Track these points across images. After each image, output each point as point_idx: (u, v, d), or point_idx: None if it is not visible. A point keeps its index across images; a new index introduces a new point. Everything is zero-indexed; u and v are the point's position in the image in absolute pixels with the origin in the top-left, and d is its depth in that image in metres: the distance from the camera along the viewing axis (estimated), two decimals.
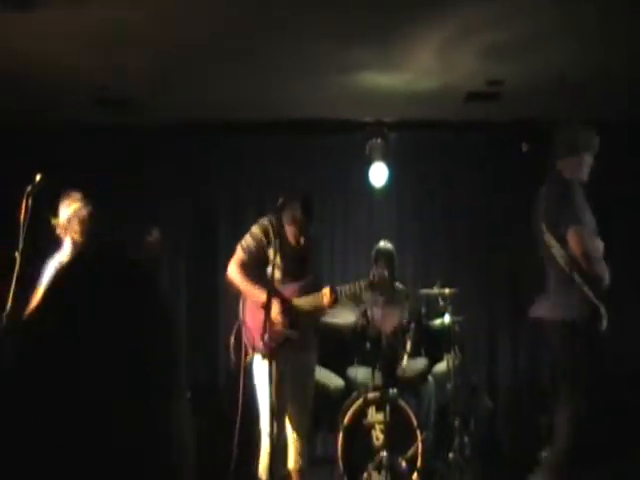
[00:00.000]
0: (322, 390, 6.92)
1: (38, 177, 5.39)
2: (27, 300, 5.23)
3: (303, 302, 5.91)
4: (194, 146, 8.60)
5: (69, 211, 5.89)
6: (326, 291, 5.85)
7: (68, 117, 7.99)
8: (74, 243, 5.90)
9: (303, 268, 6.03)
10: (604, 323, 5.56)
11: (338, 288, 5.90)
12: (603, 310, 5.55)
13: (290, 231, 5.98)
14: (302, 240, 6.00)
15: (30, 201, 5.33)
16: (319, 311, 6.00)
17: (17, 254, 5.23)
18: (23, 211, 5.31)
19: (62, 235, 5.92)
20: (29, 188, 5.38)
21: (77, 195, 5.96)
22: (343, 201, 8.75)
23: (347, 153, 8.62)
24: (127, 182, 8.40)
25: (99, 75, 6.96)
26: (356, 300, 6.83)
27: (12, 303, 5.21)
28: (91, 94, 7.34)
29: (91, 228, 5.94)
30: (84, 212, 5.91)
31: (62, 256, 5.87)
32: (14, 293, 5.19)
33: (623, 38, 6.40)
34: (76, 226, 5.87)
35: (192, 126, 8.46)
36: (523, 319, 8.55)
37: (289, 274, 5.96)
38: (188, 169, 8.62)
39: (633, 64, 6.90)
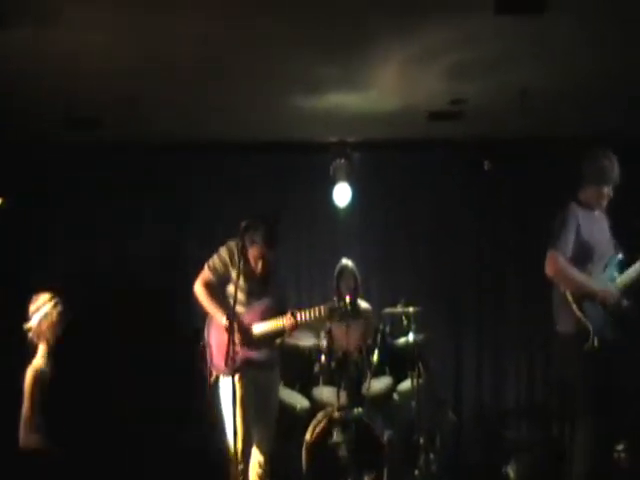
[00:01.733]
0: (288, 411, 6.93)
1: (0, 200, 5.35)
2: None
3: (264, 326, 5.99)
4: (160, 166, 8.57)
5: (39, 315, 5.85)
6: (287, 316, 5.93)
7: (36, 137, 7.95)
8: (48, 346, 5.86)
9: (265, 290, 6.12)
10: (591, 341, 5.65)
11: (298, 313, 5.96)
12: (591, 328, 5.65)
13: (252, 254, 6.07)
14: (263, 264, 6.09)
15: None
16: (280, 334, 6.07)
17: None
18: None
19: (35, 340, 5.87)
20: None
21: (46, 296, 5.92)
22: (308, 221, 8.75)
23: (311, 173, 8.65)
24: (96, 201, 8.42)
25: (67, 95, 6.93)
26: (317, 324, 6.84)
27: None
28: (59, 114, 7.30)
29: (63, 327, 5.93)
30: (55, 315, 5.88)
31: (37, 361, 5.82)
32: None
33: (585, 58, 6.48)
34: (47, 330, 5.84)
35: (158, 147, 8.44)
36: (487, 335, 8.69)
37: (251, 296, 6.05)
38: (155, 188, 8.60)
39: (596, 83, 6.98)
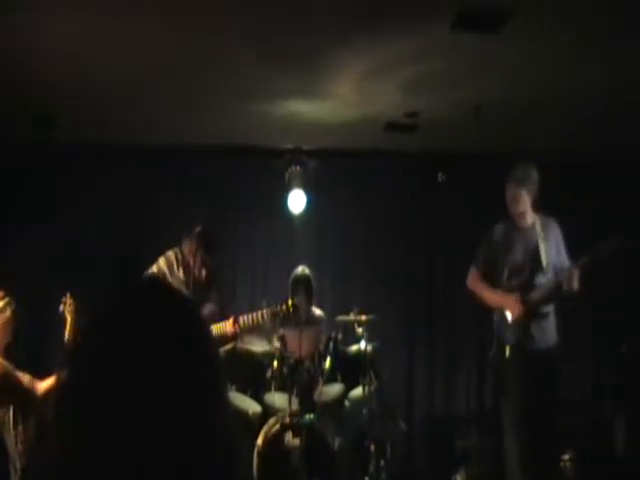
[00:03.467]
0: (240, 416, 6.96)
1: None
2: None
3: None
4: (114, 169, 8.55)
5: None
6: (229, 321, 6.00)
7: None
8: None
9: (208, 297, 6.19)
10: (495, 349, 6.29)
11: (240, 318, 6.04)
12: (496, 336, 6.26)
13: (192, 262, 6.13)
14: (206, 271, 6.16)
15: None
16: (225, 340, 6.13)
17: None
18: None
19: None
20: None
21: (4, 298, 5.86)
22: (263, 227, 8.78)
23: (267, 180, 8.69)
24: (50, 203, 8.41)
25: (25, 94, 6.94)
26: (260, 329, 6.89)
27: None
28: (18, 113, 7.30)
29: (15, 326, 5.88)
30: (8, 313, 5.82)
31: None
32: None
33: (539, 74, 6.61)
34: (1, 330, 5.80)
35: (114, 149, 8.43)
36: (438, 344, 8.78)
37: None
38: (108, 192, 8.58)
39: (551, 99, 7.11)
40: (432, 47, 6.03)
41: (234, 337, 6.20)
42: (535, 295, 6.14)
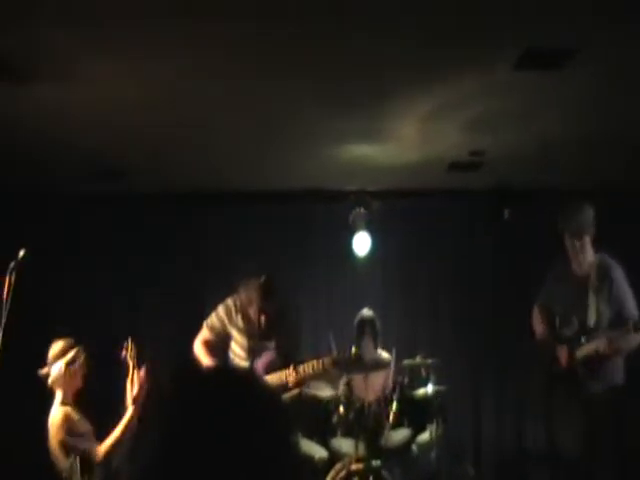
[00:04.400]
0: (306, 461, 6.89)
1: (21, 252, 5.33)
2: None
3: (268, 381, 6.02)
4: (179, 217, 8.63)
5: (59, 365, 5.77)
6: (290, 370, 5.96)
7: (60, 189, 8.04)
8: (65, 393, 5.76)
9: (267, 344, 6.16)
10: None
11: (301, 366, 5.99)
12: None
13: (251, 310, 6.12)
14: (265, 317, 6.13)
15: (13, 277, 5.24)
16: (285, 388, 6.10)
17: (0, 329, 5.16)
18: (6, 288, 5.22)
19: (53, 386, 5.79)
20: (12, 264, 5.29)
21: (66, 343, 5.85)
22: (328, 270, 8.76)
23: (331, 222, 8.67)
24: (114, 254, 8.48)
25: (93, 148, 7.02)
26: (324, 376, 6.84)
27: None
28: (84, 167, 7.39)
29: (84, 376, 5.87)
30: (78, 363, 5.80)
31: (57, 405, 5.75)
32: None
33: (603, 109, 6.53)
34: (67, 379, 5.72)
35: (178, 197, 8.51)
36: (507, 387, 8.63)
37: (253, 351, 6.08)
38: (175, 240, 8.65)
39: (615, 134, 7.02)
40: (495, 86, 5.97)
41: (296, 385, 6.16)
42: (580, 353, 6.00)
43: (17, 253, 5.35)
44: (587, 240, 6.08)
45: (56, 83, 5.68)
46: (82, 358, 5.82)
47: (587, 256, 6.11)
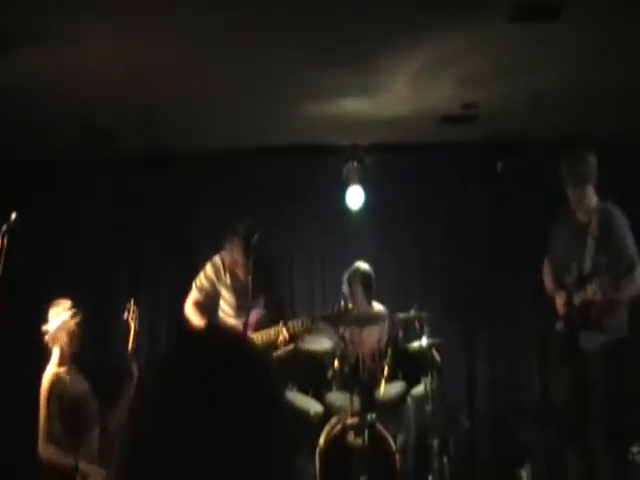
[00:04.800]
0: (301, 416, 6.93)
1: (13, 215, 5.30)
2: None
3: (256, 338, 6.02)
4: (171, 173, 8.61)
5: (58, 321, 5.83)
6: (279, 327, 5.96)
7: (52, 150, 7.98)
8: (62, 352, 5.84)
9: (255, 301, 6.14)
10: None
11: (290, 323, 5.99)
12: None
13: (238, 267, 6.10)
14: (248, 274, 6.10)
15: (5, 240, 5.23)
16: (274, 345, 6.10)
17: None
18: None
19: (50, 344, 5.85)
20: (4, 227, 5.27)
21: (66, 303, 5.91)
22: (321, 225, 8.75)
23: (324, 177, 8.64)
24: (110, 214, 8.45)
25: (84, 107, 6.97)
26: (315, 332, 6.84)
27: None
28: (76, 126, 7.34)
29: (80, 337, 5.91)
30: (72, 323, 5.86)
31: (51, 366, 5.81)
32: None
33: (597, 59, 6.50)
34: (65, 337, 5.81)
35: (170, 156, 8.45)
36: (500, 339, 8.66)
37: (241, 308, 6.07)
38: (170, 199, 8.65)
39: (611, 84, 7.00)
40: (489, 39, 5.95)
41: (285, 343, 6.15)
42: (576, 300, 5.93)
43: (8, 216, 5.33)
44: (589, 188, 6.01)
45: (42, 42, 5.64)
46: (79, 318, 5.87)
47: (590, 203, 6.02)
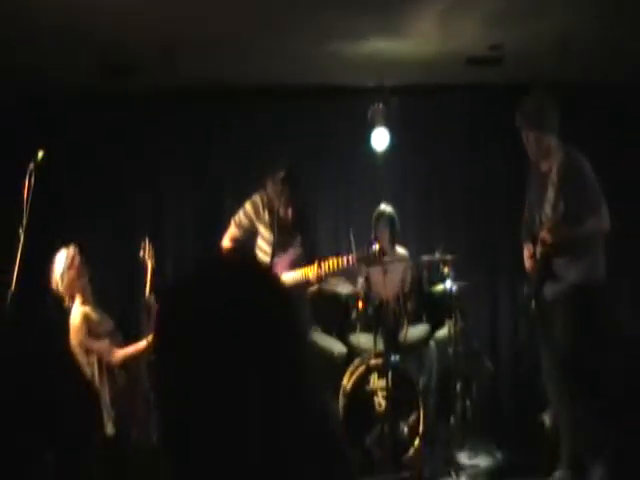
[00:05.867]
0: (325, 356, 6.97)
1: (40, 154, 5.28)
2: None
3: (291, 277, 6.09)
4: (194, 114, 8.58)
5: (61, 267, 5.83)
6: (313, 266, 6.01)
7: (69, 85, 7.95)
8: (80, 293, 5.86)
9: (293, 240, 6.21)
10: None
11: (325, 262, 6.03)
12: None
13: (278, 204, 6.14)
14: (289, 211, 6.16)
15: (32, 179, 5.21)
16: (309, 283, 6.16)
17: (21, 231, 5.17)
18: (25, 190, 5.20)
19: (64, 295, 5.86)
20: (31, 166, 5.25)
21: (64, 250, 5.89)
22: (345, 166, 8.71)
23: (349, 118, 8.58)
24: (128, 150, 8.44)
25: (102, 42, 6.93)
26: (343, 273, 6.86)
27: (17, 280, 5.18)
28: (94, 62, 7.30)
29: (86, 272, 5.92)
30: (77, 261, 5.86)
31: (77, 306, 5.83)
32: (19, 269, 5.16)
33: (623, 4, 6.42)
34: (76, 279, 5.83)
35: (192, 93, 8.41)
36: (523, 284, 8.63)
37: (279, 246, 6.14)
38: (189, 137, 8.62)
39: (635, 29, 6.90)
40: None
41: (319, 280, 6.21)
42: (539, 250, 5.81)
43: (34, 155, 5.32)
44: (547, 135, 5.76)
45: None
46: (78, 257, 5.87)
47: (548, 151, 5.79)
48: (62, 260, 5.83)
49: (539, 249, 5.84)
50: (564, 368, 5.76)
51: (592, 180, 5.71)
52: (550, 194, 5.68)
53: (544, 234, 5.67)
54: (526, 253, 6.02)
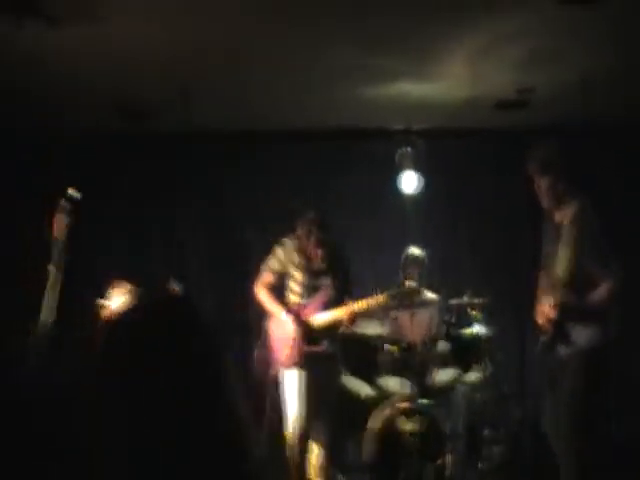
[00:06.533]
0: (353, 398, 6.95)
1: (74, 193, 5.23)
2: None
3: (323, 317, 6.09)
4: (223, 156, 8.62)
5: (119, 302, 5.84)
6: (345, 307, 6.02)
7: (85, 129, 8.02)
8: None
9: (324, 281, 6.22)
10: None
11: (356, 303, 6.05)
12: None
13: (309, 246, 6.17)
14: (319, 252, 6.19)
15: (68, 218, 5.16)
16: (339, 325, 6.17)
17: (52, 267, 5.13)
18: (58, 226, 5.15)
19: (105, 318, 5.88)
20: (65, 204, 5.19)
21: (127, 286, 5.90)
22: (372, 210, 8.70)
23: (377, 161, 8.59)
24: (146, 192, 8.50)
25: (118, 87, 7.00)
26: (372, 314, 6.86)
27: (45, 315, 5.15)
28: (109, 106, 7.36)
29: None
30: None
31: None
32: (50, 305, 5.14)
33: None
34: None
35: (221, 136, 8.47)
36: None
37: (310, 287, 6.16)
38: (219, 179, 8.65)
39: None
40: (543, 22, 5.89)
41: (351, 321, 6.21)
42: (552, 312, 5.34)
43: (63, 194, 5.27)
44: (556, 182, 5.44)
45: (81, 22, 5.66)
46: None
47: (561, 201, 5.43)
48: (121, 297, 5.85)
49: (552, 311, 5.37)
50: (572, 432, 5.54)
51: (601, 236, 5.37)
52: (561, 253, 5.26)
53: (549, 311, 5.34)
54: (538, 308, 5.60)
